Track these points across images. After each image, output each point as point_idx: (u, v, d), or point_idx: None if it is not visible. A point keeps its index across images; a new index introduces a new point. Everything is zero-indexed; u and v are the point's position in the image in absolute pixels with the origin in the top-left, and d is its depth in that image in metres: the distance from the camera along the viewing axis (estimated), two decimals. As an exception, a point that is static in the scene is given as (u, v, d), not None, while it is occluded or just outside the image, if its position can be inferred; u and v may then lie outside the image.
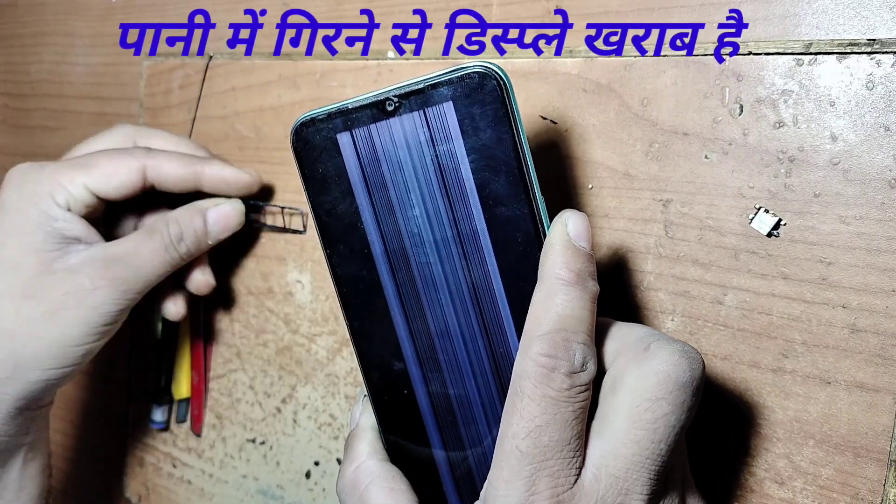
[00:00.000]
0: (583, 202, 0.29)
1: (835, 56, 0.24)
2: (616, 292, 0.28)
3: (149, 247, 0.32)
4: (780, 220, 0.25)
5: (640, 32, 0.28)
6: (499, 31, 0.31)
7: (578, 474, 0.20)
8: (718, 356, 0.26)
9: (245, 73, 0.39)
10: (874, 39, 0.24)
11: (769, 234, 0.25)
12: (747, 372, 0.26)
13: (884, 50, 0.24)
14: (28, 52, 0.52)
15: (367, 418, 0.25)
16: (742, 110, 0.26)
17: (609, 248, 0.28)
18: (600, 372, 0.22)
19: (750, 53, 0.26)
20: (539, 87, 0.30)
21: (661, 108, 0.27)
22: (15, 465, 0.33)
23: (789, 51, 0.25)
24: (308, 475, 0.37)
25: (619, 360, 0.21)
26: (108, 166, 0.33)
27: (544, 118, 0.30)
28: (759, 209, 0.26)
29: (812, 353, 0.25)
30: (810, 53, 0.25)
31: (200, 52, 0.42)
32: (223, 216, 0.34)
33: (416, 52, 0.33)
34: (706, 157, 0.27)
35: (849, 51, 0.24)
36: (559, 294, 0.21)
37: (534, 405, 0.20)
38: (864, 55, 0.24)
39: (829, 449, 0.24)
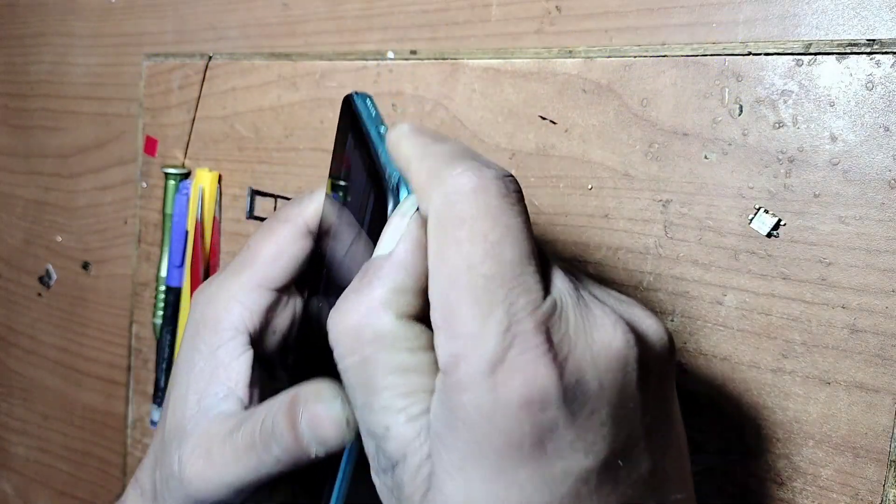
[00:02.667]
0: (583, 202, 0.29)
1: (834, 56, 0.24)
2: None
3: (233, 461, 0.24)
4: (779, 220, 0.25)
5: (640, 32, 0.28)
6: (499, 31, 0.31)
7: (547, 290, 0.17)
8: (718, 356, 0.26)
9: (244, 74, 0.39)
10: (874, 40, 0.24)
11: (769, 235, 0.25)
12: (747, 372, 0.26)
13: (883, 50, 0.24)
14: (28, 52, 0.52)
15: (390, 242, 0.19)
16: (742, 110, 0.26)
17: (609, 249, 0.28)
18: None
19: (749, 54, 0.26)
20: (539, 88, 0.30)
21: (660, 108, 0.27)
22: None
23: (789, 51, 0.25)
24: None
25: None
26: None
27: (544, 118, 0.30)
28: (758, 209, 0.26)
29: (812, 354, 0.25)
30: (810, 54, 0.25)
31: (200, 52, 0.42)
32: (326, 421, 0.23)
33: (416, 52, 0.33)
34: (706, 157, 0.27)
35: (848, 51, 0.24)
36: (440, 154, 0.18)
37: (480, 223, 0.16)
38: (864, 55, 0.24)
39: (828, 449, 0.24)
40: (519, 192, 0.17)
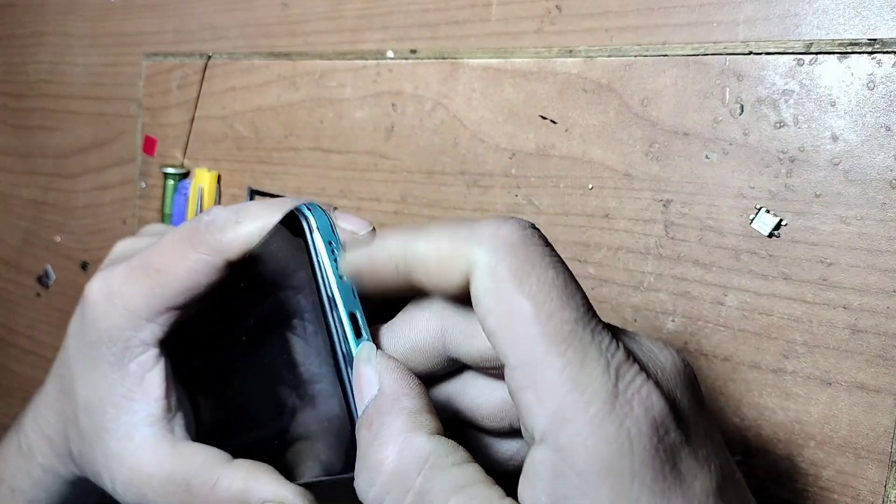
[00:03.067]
0: (583, 202, 0.29)
1: (835, 56, 0.24)
2: (616, 293, 0.28)
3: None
4: (780, 220, 0.25)
5: (641, 32, 0.28)
6: (499, 31, 0.31)
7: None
8: (719, 357, 0.26)
9: (244, 73, 0.39)
10: (875, 39, 0.24)
11: (770, 235, 0.25)
12: (748, 373, 0.26)
13: (884, 50, 0.24)
14: (27, 52, 0.52)
15: (391, 381, 0.19)
16: (743, 110, 0.26)
17: (609, 249, 0.28)
18: None
19: (751, 53, 0.26)
20: (539, 87, 0.30)
21: (661, 108, 0.27)
22: None
23: (790, 50, 0.25)
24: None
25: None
26: None
27: (544, 118, 0.30)
28: (759, 209, 0.25)
29: (813, 354, 0.25)
30: (811, 53, 0.25)
31: (199, 52, 0.42)
32: None
33: (416, 52, 0.33)
34: (707, 157, 0.26)
35: (849, 51, 0.24)
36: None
37: (545, 272, 0.16)
38: (865, 55, 0.24)
39: (829, 450, 0.24)
40: (548, 246, 0.18)
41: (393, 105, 0.34)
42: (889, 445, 0.23)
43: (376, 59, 0.34)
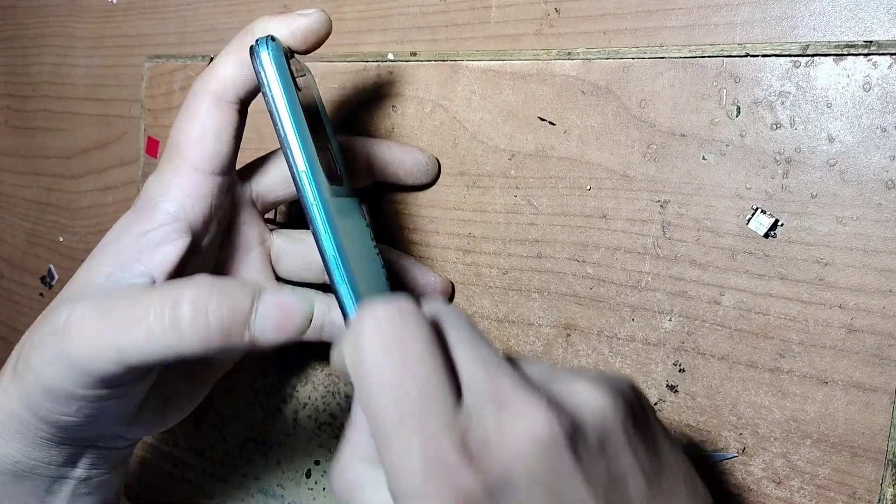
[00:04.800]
0: (581, 203, 0.29)
1: (832, 58, 0.25)
2: (614, 293, 0.28)
3: (143, 321, 0.21)
4: (777, 220, 0.25)
5: (639, 34, 0.28)
6: (498, 33, 0.31)
7: (459, 397, 0.18)
8: (716, 356, 0.26)
9: (245, 75, 0.39)
10: (871, 41, 0.24)
11: (766, 235, 0.25)
12: (744, 371, 0.26)
13: (880, 51, 0.24)
14: (29, 53, 0.53)
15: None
16: (739, 112, 0.26)
17: (607, 249, 0.29)
18: None
19: (747, 55, 0.26)
20: (537, 89, 0.30)
21: (658, 109, 0.27)
22: (60, 493, 0.27)
23: (786, 52, 0.25)
24: (308, 474, 0.37)
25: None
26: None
27: (543, 119, 0.30)
28: (756, 210, 0.26)
29: (809, 353, 0.25)
30: (807, 55, 0.25)
31: (201, 53, 0.42)
32: (282, 311, 0.22)
33: (416, 54, 0.34)
34: (704, 158, 0.27)
35: (846, 52, 0.24)
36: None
37: (382, 369, 0.18)
38: (861, 57, 0.24)
39: (826, 448, 0.25)
40: (417, 316, 0.18)
41: (393, 107, 0.34)
42: (885, 444, 0.24)
43: (376, 61, 0.35)
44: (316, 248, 0.24)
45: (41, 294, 0.52)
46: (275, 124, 0.23)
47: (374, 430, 0.18)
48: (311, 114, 0.26)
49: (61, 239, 0.51)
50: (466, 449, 0.17)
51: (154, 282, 0.24)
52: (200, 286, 0.22)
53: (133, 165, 0.46)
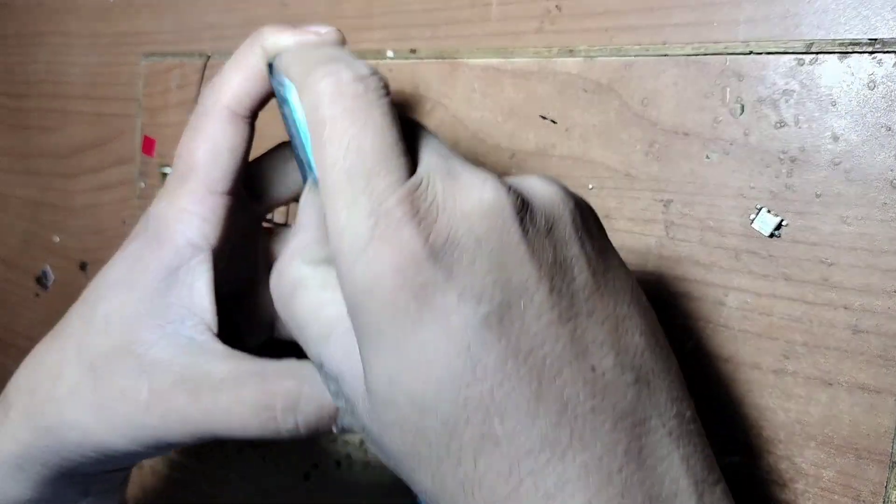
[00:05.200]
0: (583, 202, 0.29)
1: (836, 56, 0.24)
2: (616, 293, 0.28)
3: (237, 413, 0.21)
4: (781, 220, 0.25)
5: (641, 32, 0.28)
6: (499, 31, 0.31)
7: (414, 169, 0.18)
8: (720, 358, 0.26)
9: (243, 73, 0.39)
10: (875, 39, 0.24)
11: (770, 235, 0.25)
12: (749, 373, 0.26)
13: (885, 49, 0.24)
14: (25, 52, 0.52)
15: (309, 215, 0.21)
16: (743, 110, 0.26)
17: (609, 249, 0.28)
18: None
19: (751, 53, 0.26)
20: (539, 87, 0.30)
21: (661, 107, 0.27)
22: None
23: (790, 50, 0.25)
24: (307, 477, 0.37)
25: None
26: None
27: (544, 118, 0.30)
28: (760, 209, 0.25)
29: (813, 355, 0.25)
30: (811, 53, 0.25)
31: (198, 51, 0.41)
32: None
33: (416, 51, 0.33)
34: (707, 157, 0.26)
35: (850, 50, 0.24)
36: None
37: (339, 122, 0.18)
38: (866, 55, 0.24)
39: (830, 451, 0.24)
40: (381, 88, 0.19)
41: (392, 105, 0.34)
42: (890, 446, 0.23)
43: (376, 58, 0.34)
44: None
45: (37, 294, 0.52)
46: (295, 144, 0.22)
47: (323, 186, 0.18)
48: None
49: (57, 239, 0.50)
50: (414, 209, 0.17)
51: (209, 330, 0.23)
52: (288, 387, 0.22)
53: (129, 164, 0.46)
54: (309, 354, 0.20)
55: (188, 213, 0.24)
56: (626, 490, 0.16)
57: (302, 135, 0.22)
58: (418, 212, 0.17)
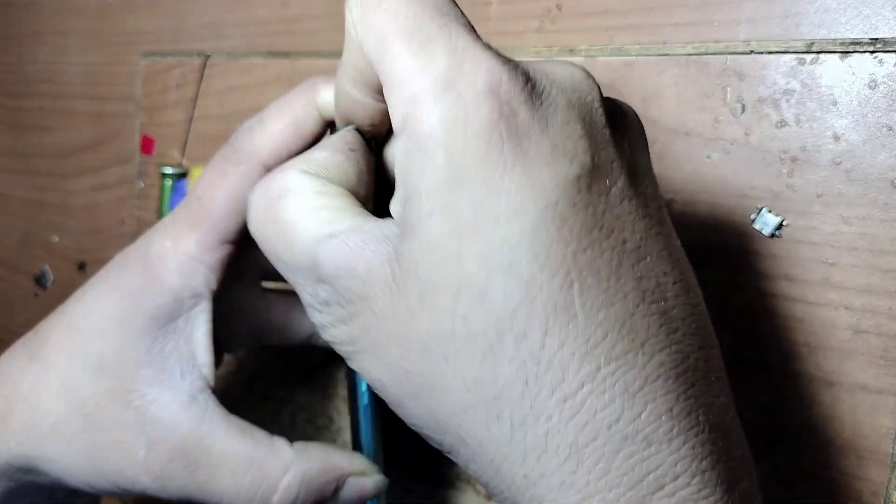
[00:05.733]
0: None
1: (837, 55, 0.24)
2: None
3: (233, 492, 0.21)
4: (782, 220, 0.25)
5: (642, 31, 0.28)
6: (499, 30, 0.31)
7: None
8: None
9: (242, 73, 0.39)
10: (876, 38, 0.24)
11: (771, 235, 0.25)
12: (750, 374, 0.26)
13: (886, 49, 0.24)
14: (24, 51, 0.52)
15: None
16: (744, 110, 0.26)
17: (610, 249, 0.28)
18: None
19: (752, 52, 0.26)
20: (539, 87, 0.30)
21: (662, 107, 0.27)
22: None
23: (791, 50, 0.25)
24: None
25: None
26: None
27: (544, 118, 0.30)
28: (761, 209, 0.25)
29: (815, 355, 0.25)
30: (812, 52, 0.25)
31: (197, 51, 0.41)
32: (360, 495, 0.22)
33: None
34: (708, 156, 0.26)
35: (851, 50, 0.24)
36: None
37: None
38: (867, 54, 0.24)
39: (832, 452, 0.24)
40: None
41: (392, 104, 0.34)
42: (891, 447, 0.23)
43: (375, 58, 0.34)
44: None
45: (35, 294, 0.52)
46: None
47: (382, 45, 0.16)
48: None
49: (56, 239, 0.50)
50: (500, 55, 0.16)
51: (208, 387, 0.23)
52: (288, 480, 0.21)
53: (128, 164, 0.45)
54: (287, 263, 0.18)
55: (195, 261, 0.22)
56: (698, 405, 0.15)
57: None
58: (510, 60, 0.16)
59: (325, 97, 0.22)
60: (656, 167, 0.27)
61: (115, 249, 0.45)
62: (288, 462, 0.22)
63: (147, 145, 0.44)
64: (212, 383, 0.23)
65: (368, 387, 0.23)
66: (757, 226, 0.25)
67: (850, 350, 0.24)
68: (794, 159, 0.25)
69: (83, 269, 0.48)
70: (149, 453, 0.21)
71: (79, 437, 0.22)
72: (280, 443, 0.23)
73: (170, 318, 0.22)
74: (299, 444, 0.23)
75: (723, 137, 0.26)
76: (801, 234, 0.25)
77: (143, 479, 0.22)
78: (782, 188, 0.25)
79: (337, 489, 0.22)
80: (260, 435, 0.23)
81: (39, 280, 0.51)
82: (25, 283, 0.52)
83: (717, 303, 0.26)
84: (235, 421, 0.23)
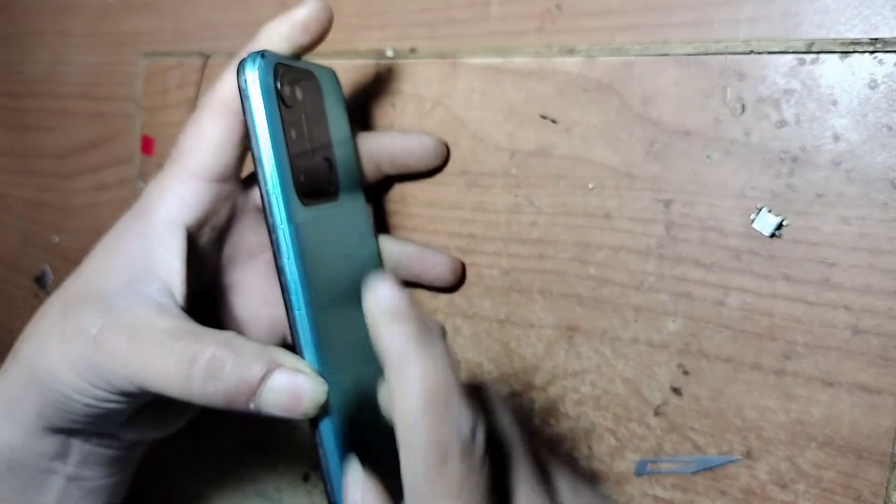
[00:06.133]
0: (583, 202, 0.29)
1: (837, 55, 0.24)
2: (617, 294, 0.28)
3: (163, 363, 0.22)
4: (782, 220, 0.25)
5: (642, 31, 0.28)
6: (499, 30, 0.31)
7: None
8: (721, 358, 0.26)
9: (243, 73, 0.39)
10: (876, 38, 0.24)
11: (771, 235, 0.25)
12: (749, 374, 0.26)
13: (886, 49, 0.23)
14: (24, 51, 0.52)
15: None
16: (744, 109, 0.26)
17: (610, 249, 0.28)
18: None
19: (752, 52, 0.26)
20: (539, 87, 0.30)
21: (662, 107, 0.27)
22: (50, 491, 0.27)
23: (791, 50, 0.25)
24: (306, 478, 0.37)
25: (387, 397, 0.21)
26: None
27: (544, 117, 0.30)
28: (761, 209, 0.25)
29: (814, 355, 0.25)
30: (812, 52, 0.25)
31: (198, 51, 0.41)
32: (292, 395, 0.21)
33: (415, 51, 0.33)
34: (708, 156, 0.26)
35: (851, 50, 0.24)
36: (410, 373, 0.19)
37: (438, 498, 0.18)
38: (867, 54, 0.24)
39: (831, 451, 0.24)
40: (482, 456, 0.19)
41: (392, 104, 0.34)
42: (890, 447, 0.23)
43: (376, 58, 0.34)
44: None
45: (36, 294, 0.52)
46: (251, 142, 0.24)
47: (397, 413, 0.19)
48: (312, 122, 0.26)
49: (56, 239, 0.50)
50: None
51: (173, 296, 0.25)
52: (218, 348, 0.22)
53: (129, 164, 0.45)
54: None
55: (170, 191, 0.26)
56: None
57: (257, 128, 0.23)
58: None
59: (264, 38, 0.26)
60: (657, 167, 0.27)
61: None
62: (226, 338, 0.23)
63: (147, 145, 0.44)
64: (179, 298, 0.25)
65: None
66: (757, 226, 0.25)
67: (849, 350, 0.24)
68: (794, 159, 0.25)
69: (83, 269, 0.48)
70: (100, 330, 0.23)
71: (57, 328, 0.25)
72: (224, 332, 0.23)
73: (147, 239, 0.26)
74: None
75: (723, 137, 0.26)
76: (801, 235, 0.25)
77: (95, 356, 0.23)
78: (782, 188, 0.25)
79: (265, 377, 0.22)
80: (208, 328, 0.24)
81: (40, 280, 0.52)
82: (26, 283, 0.52)
83: (717, 304, 0.26)
84: (190, 319, 0.24)
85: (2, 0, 0.54)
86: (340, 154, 0.28)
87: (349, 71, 0.35)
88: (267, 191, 0.23)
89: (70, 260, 0.49)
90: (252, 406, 0.21)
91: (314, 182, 0.25)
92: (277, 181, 0.23)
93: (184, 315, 0.24)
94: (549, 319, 0.30)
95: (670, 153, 0.27)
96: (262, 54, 0.24)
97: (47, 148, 0.51)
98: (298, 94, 0.26)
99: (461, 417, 0.19)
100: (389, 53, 0.34)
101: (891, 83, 0.23)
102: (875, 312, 0.24)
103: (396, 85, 0.33)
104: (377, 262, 0.29)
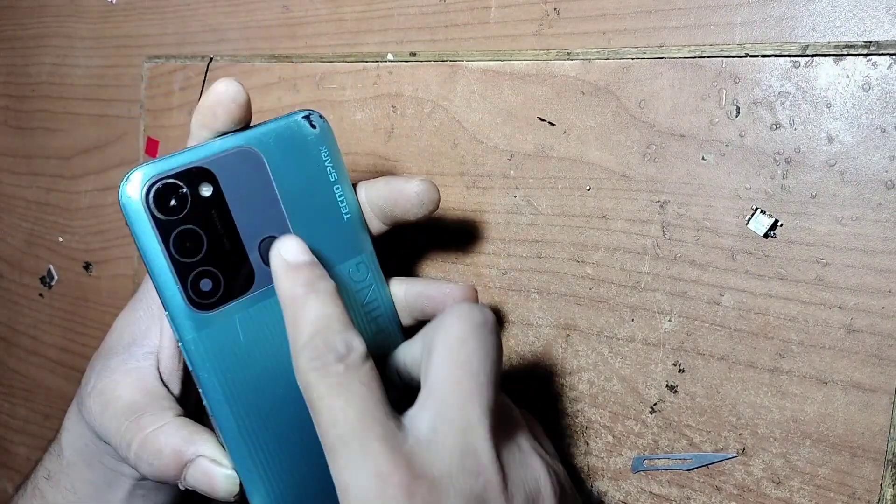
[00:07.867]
0: (581, 203, 0.29)
1: (831, 58, 0.25)
2: (614, 293, 0.28)
3: (116, 436, 0.26)
4: (776, 221, 0.25)
5: (638, 34, 0.28)
6: (498, 34, 0.31)
7: (407, 433, 0.21)
8: (716, 356, 0.26)
9: (245, 75, 0.39)
10: (870, 41, 0.24)
11: (766, 235, 0.25)
12: (744, 372, 0.26)
13: (880, 52, 0.24)
14: (29, 54, 0.53)
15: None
16: (739, 112, 0.26)
17: (607, 249, 0.29)
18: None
19: (747, 56, 0.26)
20: (537, 89, 0.30)
21: (658, 109, 0.27)
22: (120, 488, 0.30)
23: (786, 53, 0.25)
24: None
25: (426, 337, 0.23)
26: None
27: (542, 120, 0.30)
28: (755, 210, 0.26)
29: (809, 354, 0.25)
30: (807, 55, 0.25)
31: (201, 54, 0.42)
32: (208, 483, 0.25)
33: (415, 54, 0.34)
34: (703, 158, 0.27)
35: (845, 53, 0.24)
36: (299, 308, 0.22)
37: (326, 399, 0.20)
38: (861, 57, 0.24)
39: (825, 448, 0.25)
40: (361, 360, 0.21)
41: (393, 107, 0.34)
42: (884, 444, 0.24)
43: (376, 61, 0.35)
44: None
45: (41, 294, 0.52)
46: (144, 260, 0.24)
47: (323, 443, 0.21)
48: (234, 210, 0.24)
49: (61, 239, 0.51)
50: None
51: (157, 359, 0.28)
52: (143, 444, 0.25)
53: (133, 166, 0.46)
54: None
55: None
56: None
57: (138, 245, 0.24)
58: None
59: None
60: (654, 168, 0.28)
61: (119, 250, 0.45)
62: (158, 424, 0.26)
63: (151, 147, 0.44)
64: (164, 360, 0.28)
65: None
66: (751, 226, 0.26)
67: (843, 349, 0.24)
68: (788, 161, 0.25)
69: (88, 270, 0.49)
70: (89, 392, 0.27)
71: (90, 387, 0.28)
72: (171, 414, 0.27)
73: (156, 309, 0.28)
74: (180, 419, 0.27)
75: (718, 139, 0.26)
76: (796, 235, 0.25)
77: (83, 410, 0.28)
78: (777, 189, 0.25)
79: (187, 465, 0.25)
80: (169, 404, 0.27)
81: (44, 280, 0.52)
82: (31, 283, 0.53)
83: (712, 303, 0.26)
84: (150, 391, 0.27)
85: (6, 3, 0.54)
86: (304, 217, 0.25)
87: (350, 74, 0.35)
88: (162, 305, 0.24)
89: (75, 260, 0.50)
90: (181, 486, 0.25)
91: (224, 282, 0.24)
92: (166, 298, 0.24)
93: (151, 383, 0.27)
94: (546, 318, 0.30)
95: (666, 155, 0.27)
96: (138, 170, 0.24)
97: (52, 149, 0.51)
98: (204, 190, 0.24)
99: (338, 336, 0.21)
100: (390, 57, 0.34)
101: (884, 86, 0.24)
102: (869, 312, 0.24)
103: (397, 88, 0.34)
104: (389, 311, 0.28)
